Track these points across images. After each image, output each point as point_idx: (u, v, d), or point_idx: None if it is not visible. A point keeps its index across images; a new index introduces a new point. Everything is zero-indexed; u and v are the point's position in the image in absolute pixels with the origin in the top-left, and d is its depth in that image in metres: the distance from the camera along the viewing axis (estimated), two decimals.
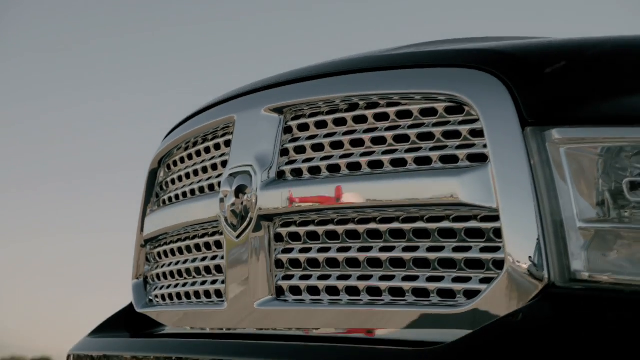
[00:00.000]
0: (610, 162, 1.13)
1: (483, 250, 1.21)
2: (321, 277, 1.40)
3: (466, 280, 1.21)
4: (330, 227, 1.39)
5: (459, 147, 1.25)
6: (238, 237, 1.51)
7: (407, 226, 1.29)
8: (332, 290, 1.38)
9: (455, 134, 1.27)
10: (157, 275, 1.90)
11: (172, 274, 1.82)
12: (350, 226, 1.36)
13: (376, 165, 1.35)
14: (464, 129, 1.25)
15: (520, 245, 1.14)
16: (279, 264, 1.47)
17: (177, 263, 1.80)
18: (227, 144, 1.67)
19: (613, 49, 1.34)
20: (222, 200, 1.56)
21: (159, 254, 1.91)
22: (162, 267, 1.88)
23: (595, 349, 1.04)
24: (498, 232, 1.18)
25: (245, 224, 1.50)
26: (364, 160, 1.36)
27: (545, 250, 1.12)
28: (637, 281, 1.09)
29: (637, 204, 1.12)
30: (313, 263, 1.42)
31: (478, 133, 1.23)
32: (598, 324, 1.07)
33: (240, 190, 1.51)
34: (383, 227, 1.32)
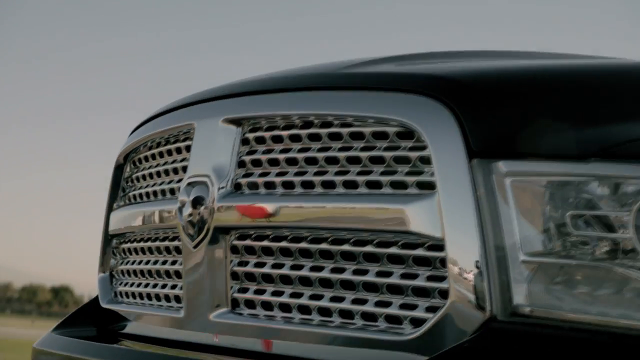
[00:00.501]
0: (556, 197, 1.13)
1: (429, 278, 1.21)
2: (274, 293, 1.41)
3: (413, 307, 1.22)
4: (284, 243, 1.40)
5: (408, 174, 1.25)
6: (195, 247, 1.51)
7: (357, 249, 1.29)
8: (285, 307, 1.39)
9: (406, 160, 1.26)
10: (122, 272, 1.91)
11: (135, 272, 1.83)
12: (303, 244, 1.37)
13: (329, 185, 1.35)
14: (414, 155, 1.24)
15: (463, 276, 1.15)
16: (234, 276, 1.47)
17: (140, 262, 1.81)
18: (188, 148, 1.65)
19: (565, 80, 1.32)
20: (180, 210, 1.55)
21: (124, 250, 1.92)
22: (127, 264, 1.89)
23: None
24: (444, 262, 1.18)
25: (202, 234, 1.50)
26: (317, 180, 1.36)
27: (488, 283, 1.13)
28: (577, 318, 1.10)
29: (581, 239, 1.12)
30: (267, 278, 1.43)
31: (427, 160, 1.22)
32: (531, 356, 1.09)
33: (197, 202, 1.51)
34: (334, 248, 1.32)
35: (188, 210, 1.52)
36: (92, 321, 1.96)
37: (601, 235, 1.11)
